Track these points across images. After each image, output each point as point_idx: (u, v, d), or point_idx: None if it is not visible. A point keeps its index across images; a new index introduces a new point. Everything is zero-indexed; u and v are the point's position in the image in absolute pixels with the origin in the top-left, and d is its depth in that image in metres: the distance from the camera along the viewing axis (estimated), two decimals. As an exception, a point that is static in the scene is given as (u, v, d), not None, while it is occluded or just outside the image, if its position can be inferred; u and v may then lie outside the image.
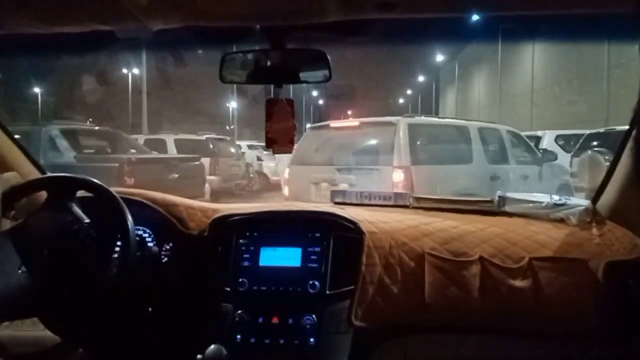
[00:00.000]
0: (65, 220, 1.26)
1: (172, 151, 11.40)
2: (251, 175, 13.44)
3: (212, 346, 1.24)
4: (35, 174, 1.64)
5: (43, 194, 1.35)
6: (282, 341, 1.32)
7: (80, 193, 1.40)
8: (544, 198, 1.51)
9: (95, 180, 1.34)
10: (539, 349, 1.34)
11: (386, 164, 5.19)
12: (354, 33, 1.22)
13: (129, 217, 1.28)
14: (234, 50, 1.25)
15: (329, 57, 1.22)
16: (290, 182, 6.02)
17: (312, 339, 1.32)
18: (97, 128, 9.92)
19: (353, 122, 6.06)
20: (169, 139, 11.91)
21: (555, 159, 7.20)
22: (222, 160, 11.65)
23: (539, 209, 1.49)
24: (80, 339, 1.29)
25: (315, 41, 1.24)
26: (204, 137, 12.26)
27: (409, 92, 43.83)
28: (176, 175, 8.16)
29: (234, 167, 12.29)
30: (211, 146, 11.83)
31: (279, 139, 1.29)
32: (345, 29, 1.16)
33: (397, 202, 1.66)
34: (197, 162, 9.31)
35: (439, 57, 34.29)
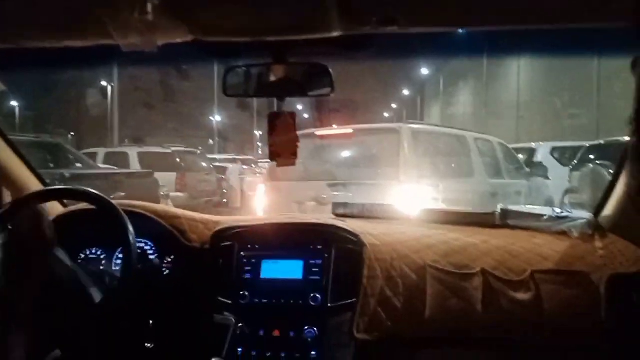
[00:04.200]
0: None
1: (134, 165, 10.42)
2: (224, 191, 12.35)
3: (213, 359, 1.23)
4: (37, 185, 1.64)
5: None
6: (283, 354, 1.32)
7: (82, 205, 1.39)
8: (545, 211, 1.51)
9: (97, 192, 1.34)
10: None
11: (390, 179, 4.42)
12: (355, 47, 1.23)
13: (131, 230, 1.28)
14: (238, 64, 1.25)
15: (331, 71, 1.22)
16: (266, 200, 5.13)
17: (313, 352, 1.31)
18: (39, 140, 8.87)
19: (344, 129, 5.03)
20: (132, 152, 10.97)
21: (546, 175, 6.67)
22: (190, 175, 10.79)
23: (540, 222, 1.49)
24: (81, 353, 1.26)
25: (318, 55, 1.24)
26: (170, 150, 11.39)
27: (394, 105, 44.10)
28: (122, 194, 7.24)
29: (204, 182, 11.44)
30: (178, 160, 11.01)
31: (282, 152, 1.30)
32: (347, 43, 1.17)
33: (399, 215, 1.66)
34: (150, 178, 8.49)
35: (424, 71, 34.60)
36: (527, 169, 6.72)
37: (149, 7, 0.93)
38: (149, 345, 1.40)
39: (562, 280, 1.30)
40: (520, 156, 9.85)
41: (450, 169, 5.11)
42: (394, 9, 0.99)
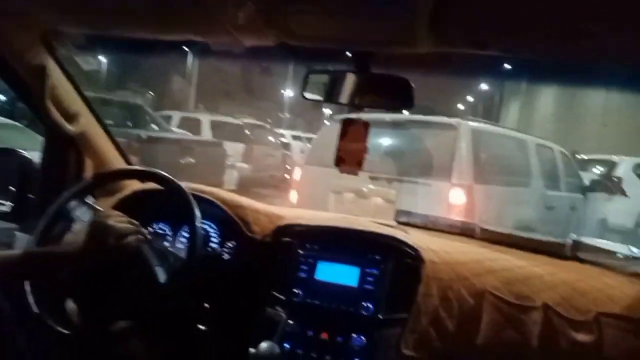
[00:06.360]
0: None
1: (206, 132, 10.77)
2: (288, 167, 12.23)
3: (266, 342, 1.26)
4: (119, 161, 1.75)
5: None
6: (328, 357, 1.32)
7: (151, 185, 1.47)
8: (621, 249, 1.43)
9: (166, 174, 1.40)
10: None
11: (440, 179, 4.06)
12: (439, 63, 1.20)
13: (198, 216, 1.32)
14: (319, 68, 1.25)
15: (412, 85, 1.19)
16: (302, 186, 4.85)
17: None
18: (122, 100, 9.48)
19: (396, 117, 4.47)
20: (205, 119, 11.23)
21: (624, 192, 6.00)
22: (257, 148, 10.99)
23: (614, 260, 1.41)
24: (137, 330, 1.33)
25: (400, 67, 1.22)
26: (240, 122, 11.55)
27: (469, 98, 42.63)
28: (191, 160, 7.66)
29: (270, 156, 11.61)
30: (247, 132, 11.20)
31: (347, 159, 1.30)
32: (432, 58, 1.14)
33: (464, 232, 1.62)
34: (219, 148, 8.74)
35: (507, 65, 33.10)
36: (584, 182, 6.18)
37: (242, 12, 0.94)
38: (202, 327, 1.46)
39: (629, 328, 1.22)
40: (599, 168, 9.31)
41: (506, 175, 4.71)
42: (486, 34, 0.96)
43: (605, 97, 19.88)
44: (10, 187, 1.57)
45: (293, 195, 4.95)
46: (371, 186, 4.29)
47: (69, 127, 1.52)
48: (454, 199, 3.98)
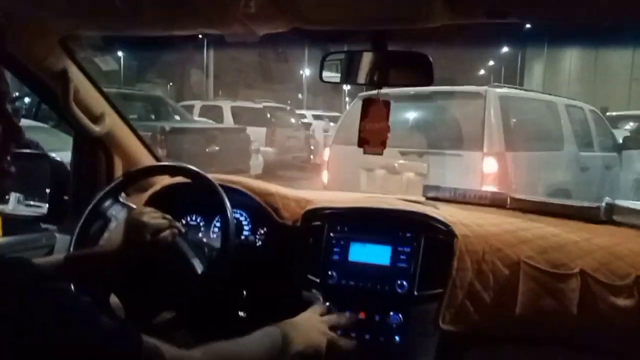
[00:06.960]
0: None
1: (228, 119, 10.89)
2: (312, 148, 12.52)
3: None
4: (148, 158, 1.79)
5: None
6: (367, 337, 1.33)
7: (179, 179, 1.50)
8: (658, 208, 1.39)
9: (194, 168, 1.42)
10: None
11: (472, 149, 4.00)
12: (456, 33, 1.18)
13: (229, 207, 1.34)
14: (335, 50, 1.24)
15: (431, 60, 1.18)
16: (332, 165, 4.85)
17: (397, 338, 1.32)
18: (142, 93, 9.63)
19: (421, 90, 4.27)
20: (226, 106, 11.32)
21: None
22: (279, 131, 11.12)
23: (651, 221, 1.38)
24: (179, 321, 1.37)
25: (418, 42, 1.20)
26: (261, 106, 11.62)
27: (491, 63, 41.62)
28: (216, 148, 7.64)
29: (292, 138, 11.73)
30: (268, 115, 11.29)
31: (371, 140, 1.29)
32: (447, 29, 1.12)
33: (494, 203, 1.60)
34: (242, 134, 8.75)
35: (527, 26, 32.08)
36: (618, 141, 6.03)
37: (253, 1, 0.94)
38: (242, 314, 1.49)
39: None
40: (631, 124, 9.04)
41: (537, 140, 4.63)
42: (502, 2, 0.93)
43: (634, 50, 19.14)
44: (46, 190, 1.61)
45: (324, 176, 5.00)
46: (402, 161, 4.30)
47: (96, 128, 1.55)
48: (487, 168, 3.93)
